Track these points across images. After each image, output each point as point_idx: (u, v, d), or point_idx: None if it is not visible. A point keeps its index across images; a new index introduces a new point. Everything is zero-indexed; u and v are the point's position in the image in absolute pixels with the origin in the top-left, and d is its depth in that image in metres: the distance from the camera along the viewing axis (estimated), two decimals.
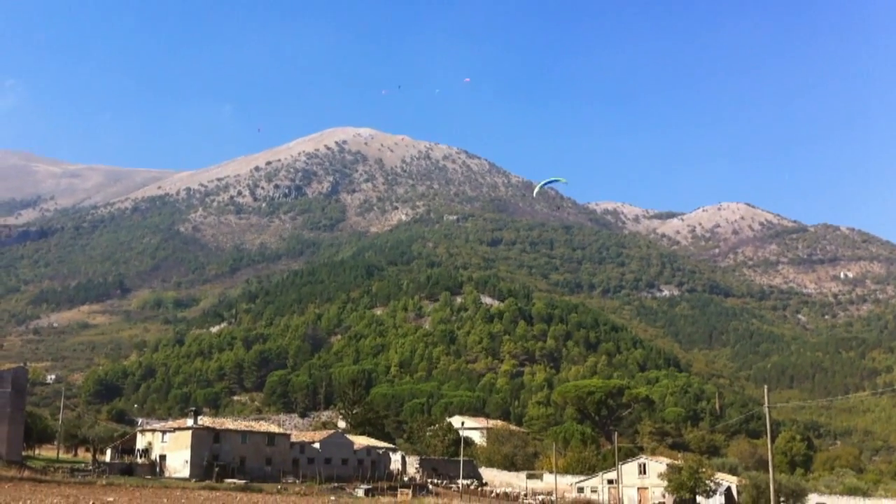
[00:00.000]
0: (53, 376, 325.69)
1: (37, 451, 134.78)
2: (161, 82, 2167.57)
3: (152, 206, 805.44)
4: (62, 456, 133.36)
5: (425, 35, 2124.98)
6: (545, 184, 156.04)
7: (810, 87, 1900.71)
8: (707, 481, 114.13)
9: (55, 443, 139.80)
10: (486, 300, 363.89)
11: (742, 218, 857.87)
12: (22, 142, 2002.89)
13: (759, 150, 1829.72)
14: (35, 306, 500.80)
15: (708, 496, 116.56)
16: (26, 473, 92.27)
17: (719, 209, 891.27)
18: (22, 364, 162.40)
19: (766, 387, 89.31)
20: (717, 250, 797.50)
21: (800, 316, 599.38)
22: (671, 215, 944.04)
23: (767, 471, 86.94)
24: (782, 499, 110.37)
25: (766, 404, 77.01)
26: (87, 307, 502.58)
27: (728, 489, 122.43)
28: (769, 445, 79.41)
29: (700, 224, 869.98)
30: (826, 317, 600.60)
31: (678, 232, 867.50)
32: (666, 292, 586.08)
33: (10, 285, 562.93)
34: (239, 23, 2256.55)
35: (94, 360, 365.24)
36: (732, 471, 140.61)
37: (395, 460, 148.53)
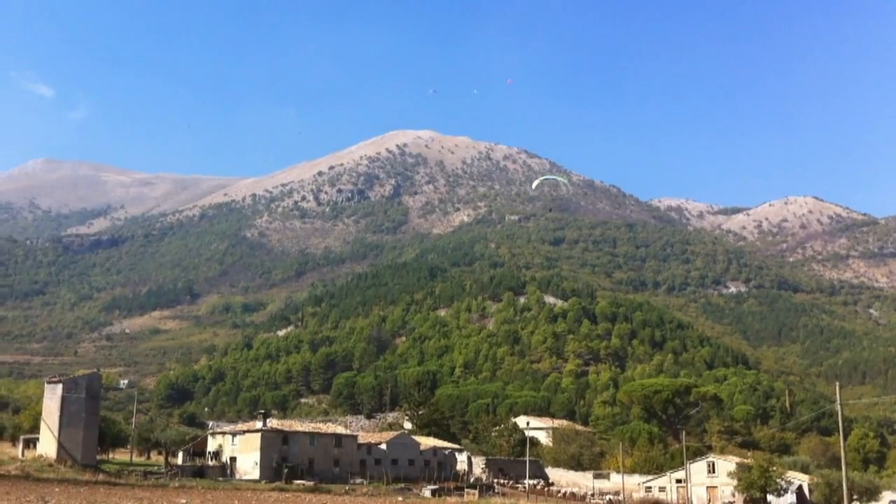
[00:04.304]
0: (126, 381, 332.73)
1: (111, 455, 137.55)
2: (225, 90, 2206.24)
3: (219, 213, 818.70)
4: (135, 459, 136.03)
5: (485, 35, 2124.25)
6: (545, 179, 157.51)
7: (874, 76, 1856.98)
8: (778, 480, 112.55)
9: (128, 446, 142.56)
10: (550, 300, 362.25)
11: (810, 212, 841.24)
12: (92, 153, 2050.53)
13: (826, 143, 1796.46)
14: (107, 313, 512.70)
15: (779, 495, 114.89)
16: (101, 477, 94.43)
17: (786, 203, 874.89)
18: (96, 370, 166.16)
19: (837, 383, 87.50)
20: (784, 245, 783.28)
21: (871, 311, 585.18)
22: (736, 210, 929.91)
23: (840, 469, 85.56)
24: (855, 497, 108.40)
25: (839, 401, 75.66)
26: (157, 313, 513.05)
27: (800, 487, 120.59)
28: (842, 443, 78.16)
29: (767, 219, 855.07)
30: None
31: (744, 227, 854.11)
32: (733, 289, 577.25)
33: (83, 293, 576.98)
34: (300, 29, 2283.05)
35: (166, 365, 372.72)
36: (804, 469, 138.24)
37: (461, 461, 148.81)
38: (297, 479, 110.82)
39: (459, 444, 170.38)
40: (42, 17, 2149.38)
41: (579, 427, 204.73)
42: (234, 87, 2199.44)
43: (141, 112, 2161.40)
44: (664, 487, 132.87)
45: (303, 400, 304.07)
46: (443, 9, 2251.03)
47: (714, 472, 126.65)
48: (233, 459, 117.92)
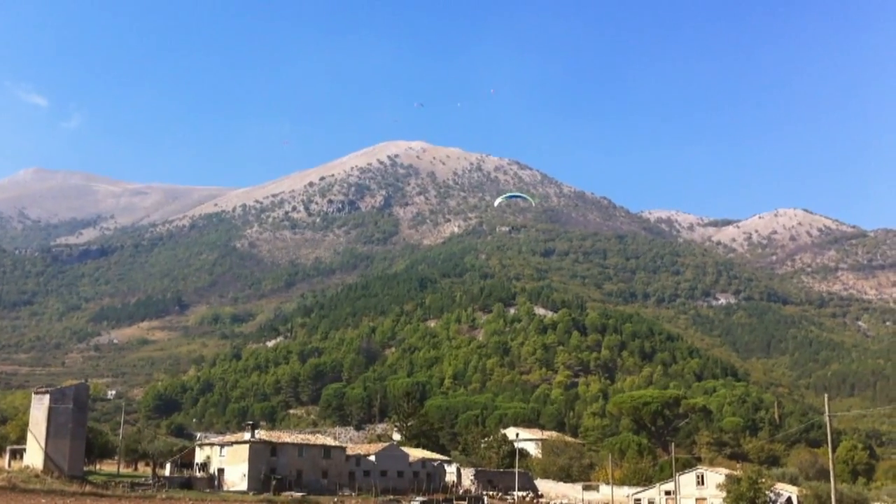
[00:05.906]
0: (114, 392, 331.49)
1: (98, 466, 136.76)
2: (218, 101, 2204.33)
3: (209, 224, 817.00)
4: (123, 471, 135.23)
5: (478, 47, 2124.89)
6: (510, 196, 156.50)
7: (864, 90, 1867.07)
8: (767, 492, 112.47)
9: (116, 458, 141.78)
10: (540, 311, 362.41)
11: (799, 224, 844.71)
12: (83, 163, 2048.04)
13: (816, 155, 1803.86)
14: (96, 323, 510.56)
15: None
16: (88, 488, 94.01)
17: (776, 215, 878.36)
18: (83, 380, 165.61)
19: (826, 395, 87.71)
20: (774, 257, 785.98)
21: (860, 323, 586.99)
22: (727, 223, 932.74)
23: (829, 480, 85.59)
24: None
25: (827, 413, 75.77)
26: (146, 323, 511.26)
27: (789, 499, 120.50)
28: (830, 455, 78.35)
29: (756, 231, 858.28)
30: (887, 323, 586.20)
31: (734, 239, 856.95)
32: (722, 300, 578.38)
33: (71, 303, 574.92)
34: (293, 41, 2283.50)
35: (154, 376, 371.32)
36: (793, 481, 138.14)
37: (451, 472, 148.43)
38: (285, 491, 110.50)
39: (448, 455, 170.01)
40: (38, 27, 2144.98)
41: (569, 438, 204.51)
42: (226, 98, 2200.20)
43: (134, 122, 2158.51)
44: (654, 499, 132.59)
45: (291, 411, 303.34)
46: (435, 21, 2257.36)
47: (703, 483, 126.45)
48: (221, 471, 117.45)
